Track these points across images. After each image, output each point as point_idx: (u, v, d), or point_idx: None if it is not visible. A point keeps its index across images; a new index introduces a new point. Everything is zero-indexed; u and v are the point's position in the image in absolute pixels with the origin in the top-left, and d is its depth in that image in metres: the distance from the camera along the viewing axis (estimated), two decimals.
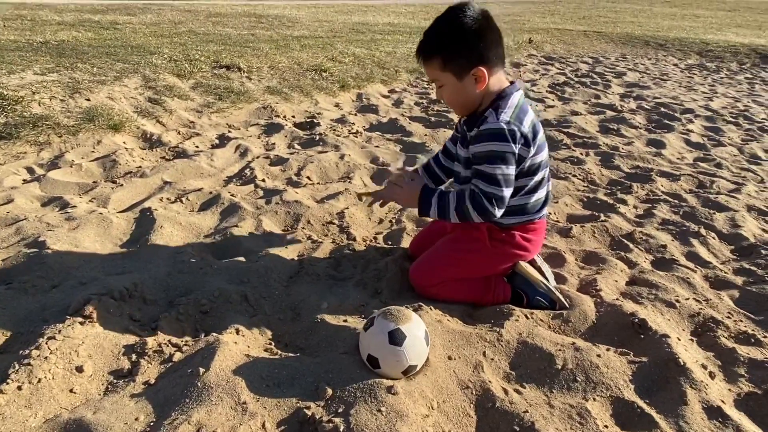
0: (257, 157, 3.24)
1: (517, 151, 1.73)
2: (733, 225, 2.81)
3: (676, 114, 5.24)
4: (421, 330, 1.51)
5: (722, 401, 1.52)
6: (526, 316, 1.85)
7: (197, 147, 3.37)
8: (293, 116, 4.22)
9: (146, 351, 1.56)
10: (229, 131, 3.70)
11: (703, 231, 2.69)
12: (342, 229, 2.46)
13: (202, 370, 1.46)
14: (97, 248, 2.12)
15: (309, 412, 1.35)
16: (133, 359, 1.54)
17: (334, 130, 3.90)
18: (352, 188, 2.85)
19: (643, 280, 2.21)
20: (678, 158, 3.98)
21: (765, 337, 1.85)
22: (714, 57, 9.50)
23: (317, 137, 3.67)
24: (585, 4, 20.47)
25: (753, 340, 1.86)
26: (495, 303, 1.93)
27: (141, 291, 1.84)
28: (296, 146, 3.57)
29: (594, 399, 1.54)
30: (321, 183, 2.99)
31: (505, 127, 1.70)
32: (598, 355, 1.66)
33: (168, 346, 1.59)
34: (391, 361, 1.45)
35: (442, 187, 1.94)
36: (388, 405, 1.36)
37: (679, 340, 1.80)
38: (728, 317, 2.00)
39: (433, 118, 4.42)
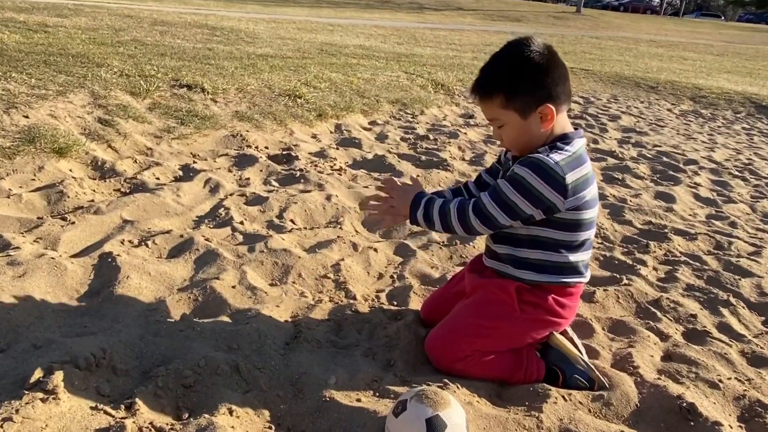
0: (230, 195, 3.17)
1: (549, 197, 1.72)
2: (760, 293, 2.93)
3: (680, 165, 5.50)
4: (462, 417, 1.47)
5: None
6: (563, 397, 1.84)
7: (158, 179, 3.27)
8: (266, 147, 4.18)
9: None
10: (194, 162, 3.62)
11: (732, 299, 2.79)
12: (339, 285, 2.42)
13: None
14: (49, 301, 1.99)
15: None
16: None
17: (315, 165, 3.88)
18: (346, 236, 2.82)
19: (680, 355, 2.25)
20: (690, 215, 4.15)
21: None
22: (708, 104, 10.11)
23: (297, 173, 3.64)
24: (567, 38, 21.57)
25: None
26: (527, 382, 1.91)
27: (110, 358, 1.73)
28: (273, 183, 3.52)
29: None
30: (307, 228, 2.94)
31: (551, 164, 1.70)
32: None
33: (151, 430, 1.49)
34: None
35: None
36: None
37: (731, 427, 1.83)
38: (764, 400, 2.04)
39: (423, 157, 4.47)
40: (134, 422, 1.50)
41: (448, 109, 6.56)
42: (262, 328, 1.96)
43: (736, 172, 5.57)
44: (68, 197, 2.80)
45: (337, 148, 4.40)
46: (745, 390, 2.05)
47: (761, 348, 2.42)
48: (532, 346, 1.97)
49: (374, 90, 6.28)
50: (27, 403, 1.45)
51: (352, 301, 2.29)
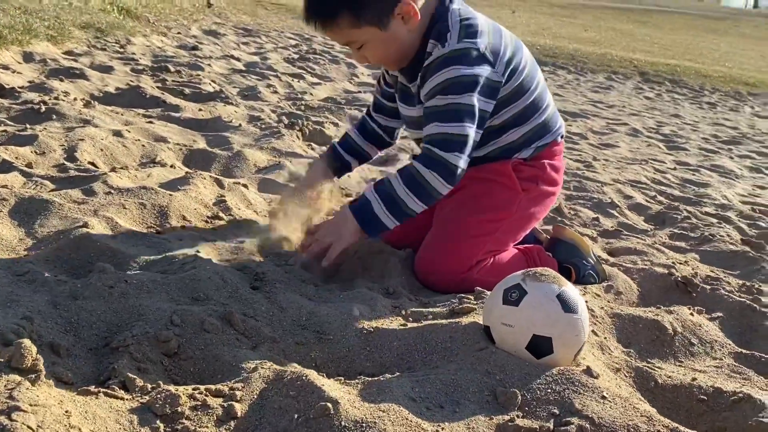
0: None
1: (485, 74, 1.95)
2: (625, 196, 3.77)
3: None
4: (579, 294, 1.65)
5: None
6: (584, 291, 2.17)
7: None
8: None
9: (179, 410, 1.26)
10: None
11: (616, 202, 3.53)
12: (239, 225, 2.33)
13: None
14: None
15: (524, 425, 1.36)
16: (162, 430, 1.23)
17: (56, 98, 3.48)
18: (194, 174, 2.66)
19: (623, 249, 2.81)
20: None
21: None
22: None
23: (41, 107, 3.22)
24: None
25: (754, 290, 2.59)
26: None
27: (38, 333, 1.43)
28: (9, 121, 3.06)
29: (722, 358, 1.97)
30: (122, 167, 2.68)
31: (460, 47, 1.93)
32: (691, 314, 2.11)
33: (205, 395, 1.32)
34: (569, 338, 1.56)
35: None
36: (601, 391, 1.48)
37: (729, 284, 2.44)
38: (716, 274, 2.72)
39: (186, 90, 4.38)
40: (176, 390, 1.30)
41: (158, 39, 6.44)
42: (220, 271, 1.83)
43: None
44: None
45: (61, 80, 3.99)
46: (695, 269, 2.68)
47: (666, 239, 3.15)
48: (541, 248, 2.25)
49: (51, 10, 5.78)
50: (19, 386, 1.16)
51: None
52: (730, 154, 5.90)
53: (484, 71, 1.94)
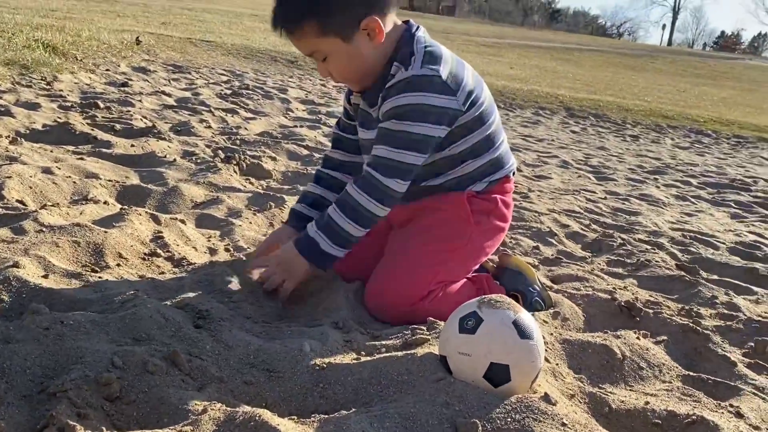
0: None
1: (444, 104, 1.96)
2: (561, 225, 3.81)
3: None
4: (534, 321, 1.64)
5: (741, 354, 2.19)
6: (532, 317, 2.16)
7: None
8: None
9: None
10: None
11: (555, 230, 3.57)
12: (177, 263, 2.25)
13: None
14: None
15: None
16: None
17: None
18: (130, 211, 2.56)
19: (565, 276, 2.84)
20: None
21: (705, 312, 2.64)
22: None
23: None
24: (152, 7, 22.13)
25: (694, 313, 2.63)
26: None
27: None
28: None
29: (671, 381, 1.98)
30: (53, 205, 2.57)
31: (422, 74, 1.96)
32: (638, 338, 2.12)
33: None
34: (526, 365, 1.54)
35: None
36: (561, 418, 1.46)
37: (670, 308, 2.47)
38: (655, 298, 2.76)
39: (117, 126, 4.28)
40: None
41: (86, 76, 6.31)
42: (161, 310, 1.74)
43: None
44: None
45: None
46: (635, 294, 2.72)
47: (604, 266, 3.19)
48: (489, 276, 2.24)
49: None
50: None
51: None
52: (657, 183, 6.07)
53: (443, 100, 1.95)
